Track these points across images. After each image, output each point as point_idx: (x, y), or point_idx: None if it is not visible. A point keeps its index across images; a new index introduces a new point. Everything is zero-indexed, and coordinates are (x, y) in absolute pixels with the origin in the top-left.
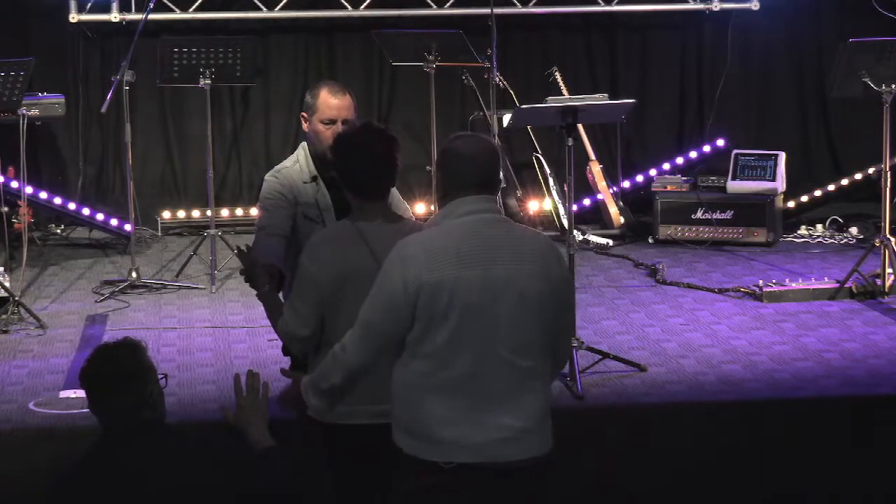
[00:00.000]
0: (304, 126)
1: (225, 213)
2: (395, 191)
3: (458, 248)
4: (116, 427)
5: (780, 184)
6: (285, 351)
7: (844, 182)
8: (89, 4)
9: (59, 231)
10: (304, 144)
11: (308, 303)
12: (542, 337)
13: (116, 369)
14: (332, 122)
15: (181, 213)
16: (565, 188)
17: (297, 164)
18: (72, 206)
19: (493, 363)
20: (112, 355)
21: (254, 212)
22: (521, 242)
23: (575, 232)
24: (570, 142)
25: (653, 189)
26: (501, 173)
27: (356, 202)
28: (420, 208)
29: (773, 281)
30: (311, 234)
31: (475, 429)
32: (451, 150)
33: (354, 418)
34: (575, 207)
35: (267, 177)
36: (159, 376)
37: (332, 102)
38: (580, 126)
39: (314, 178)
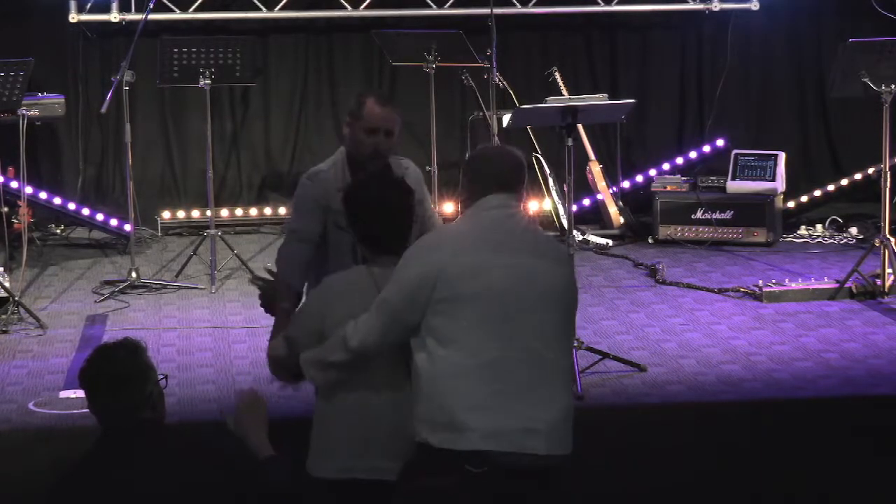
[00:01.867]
0: (346, 131)
1: (225, 213)
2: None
3: (483, 235)
4: (116, 427)
5: (780, 184)
6: None
7: (844, 182)
8: (89, 4)
9: (58, 231)
10: (342, 149)
11: (303, 338)
12: (563, 333)
13: (115, 370)
14: (376, 131)
15: (181, 214)
16: (565, 188)
17: (333, 168)
18: (71, 206)
19: (520, 351)
20: (111, 356)
21: (253, 212)
22: (544, 241)
23: (575, 232)
24: (570, 142)
25: (652, 189)
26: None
27: (369, 254)
28: None
29: (773, 281)
30: (341, 244)
31: (504, 416)
32: (477, 154)
33: (352, 473)
34: (575, 207)
35: (303, 179)
36: (159, 377)
37: (377, 111)
38: (580, 126)
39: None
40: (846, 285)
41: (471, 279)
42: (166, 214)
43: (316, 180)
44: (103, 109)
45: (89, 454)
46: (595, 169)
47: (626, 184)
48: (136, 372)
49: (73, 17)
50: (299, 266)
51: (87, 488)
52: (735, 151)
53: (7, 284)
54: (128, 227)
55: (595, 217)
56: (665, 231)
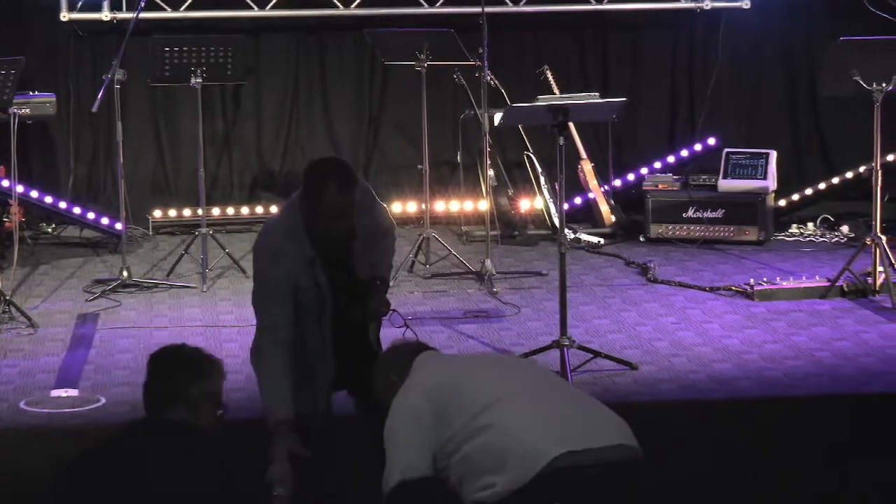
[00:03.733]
0: (300, 204)
1: (216, 211)
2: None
3: (446, 363)
4: (151, 417)
5: (772, 182)
6: None
7: (835, 180)
8: (80, 3)
9: (50, 230)
10: (297, 214)
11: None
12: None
13: (176, 354)
14: (334, 218)
15: (172, 212)
16: (556, 187)
17: (293, 239)
18: (63, 204)
19: (539, 381)
20: (180, 347)
21: (245, 211)
22: None
23: (566, 230)
24: (562, 141)
25: (644, 188)
26: None
27: None
28: (412, 207)
29: (765, 279)
30: (307, 317)
31: (564, 423)
32: (382, 356)
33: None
34: (566, 206)
35: (264, 258)
36: (219, 411)
37: (336, 201)
38: (571, 125)
39: (312, 259)
40: (837, 284)
41: (449, 372)
42: (158, 213)
43: (281, 261)
44: (94, 108)
45: (111, 439)
46: (587, 168)
47: (617, 182)
48: (185, 364)
49: (64, 16)
50: (285, 378)
51: (96, 472)
52: (726, 150)
53: None
54: (119, 226)
55: (587, 216)
56: (656, 230)
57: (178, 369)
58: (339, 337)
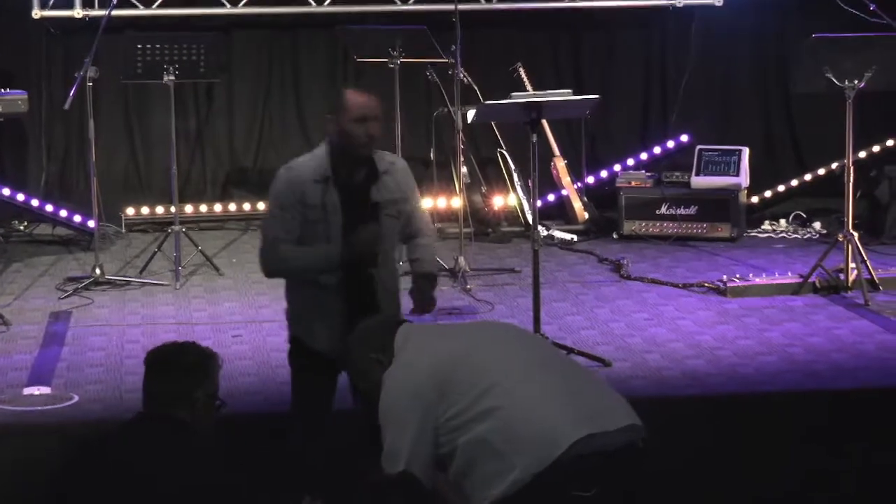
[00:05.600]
0: (330, 127)
1: (189, 209)
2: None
3: (441, 336)
4: (149, 414)
5: (744, 179)
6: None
7: (808, 177)
8: (52, 0)
9: (22, 227)
10: (324, 144)
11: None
12: (564, 355)
13: (175, 356)
14: (365, 119)
15: (145, 210)
16: (530, 184)
17: (314, 160)
18: (35, 202)
19: (546, 358)
20: (182, 347)
21: (217, 208)
22: None
23: (539, 227)
24: (535, 138)
25: (617, 185)
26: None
27: None
28: None
29: (737, 276)
30: (312, 236)
31: (575, 404)
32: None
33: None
34: (539, 203)
35: (280, 170)
36: (218, 401)
37: (361, 100)
38: (545, 122)
39: (325, 179)
40: (810, 280)
41: (449, 346)
42: (130, 211)
43: (291, 173)
44: (67, 106)
45: (108, 433)
46: (560, 164)
47: (590, 179)
48: (191, 368)
49: (36, 13)
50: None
51: (89, 463)
52: (699, 147)
53: None
54: (92, 224)
55: (560, 212)
56: (629, 226)
57: (183, 374)
58: (350, 281)
